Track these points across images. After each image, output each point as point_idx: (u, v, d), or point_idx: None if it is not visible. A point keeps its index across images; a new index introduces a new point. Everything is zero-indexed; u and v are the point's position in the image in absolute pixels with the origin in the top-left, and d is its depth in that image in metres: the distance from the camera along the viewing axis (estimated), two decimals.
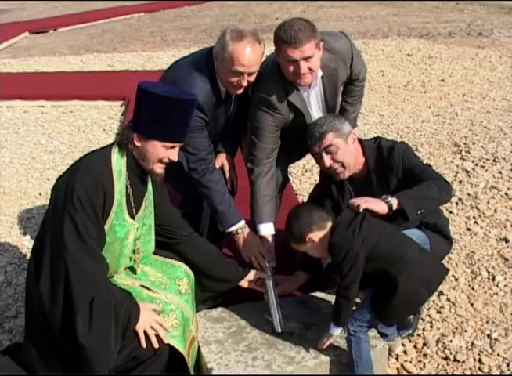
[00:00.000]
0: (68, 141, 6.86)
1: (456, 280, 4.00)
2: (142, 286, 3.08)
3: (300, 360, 3.03)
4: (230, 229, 3.48)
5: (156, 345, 2.87)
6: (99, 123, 7.46)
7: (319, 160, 3.40)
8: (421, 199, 3.10)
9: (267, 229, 3.53)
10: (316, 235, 3.01)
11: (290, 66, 3.27)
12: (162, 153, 2.86)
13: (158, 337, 2.89)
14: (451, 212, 4.81)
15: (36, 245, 2.95)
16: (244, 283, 3.37)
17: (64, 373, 2.84)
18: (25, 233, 4.76)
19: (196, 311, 3.30)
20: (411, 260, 2.93)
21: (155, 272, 3.15)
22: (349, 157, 3.33)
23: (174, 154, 2.90)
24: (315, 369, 3.02)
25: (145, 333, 2.86)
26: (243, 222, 3.50)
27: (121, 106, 7.96)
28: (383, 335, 3.25)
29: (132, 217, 2.96)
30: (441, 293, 3.86)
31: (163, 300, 3.03)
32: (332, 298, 3.44)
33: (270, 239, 3.54)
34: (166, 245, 3.26)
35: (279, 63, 3.34)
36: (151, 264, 3.17)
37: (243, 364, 3.01)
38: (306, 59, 3.22)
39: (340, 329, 2.99)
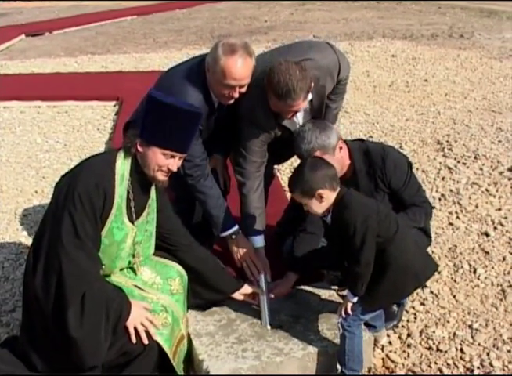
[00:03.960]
0: (63, 140, 6.82)
1: (439, 273, 3.99)
2: (135, 285, 3.07)
3: (288, 351, 3.02)
4: (224, 234, 3.47)
5: (145, 340, 2.85)
6: (93, 122, 7.42)
7: None
8: None
9: (259, 242, 3.52)
10: (326, 194, 2.82)
11: (277, 109, 3.30)
12: (161, 160, 2.83)
13: (148, 333, 2.87)
14: (433, 207, 4.81)
15: (35, 241, 2.94)
16: (238, 296, 3.32)
17: (60, 364, 2.83)
18: (21, 230, 4.74)
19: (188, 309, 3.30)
20: (407, 250, 2.89)
21: (149, 271, 3.13)
22: (336, 165, 3.20)
23: (173, 164, 2.87)
24: (303, 359, 3.01)
25: (135, 329, 2.85)
26: (236, 228, 3.48)
27: (115, 106, 7.92)
28: (370, 327, 3.24)
29: (131, 221, 2.95)
30: (424, 285, 3.82)
31: (154, 300, 3.02)
32: (320, 292, 3.49)
33: (262, 250, 3.53)
34: (165, 250, 3.24)
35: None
36: (145, 263, 3.15)
37: (233, 356, 3.00)
38: (295, 109, 3.26)
39: (356, 298, 2.91)
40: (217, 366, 2.93)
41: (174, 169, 2.89)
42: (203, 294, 3.30)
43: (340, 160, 3.30)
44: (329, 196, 2.85)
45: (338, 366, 3.01)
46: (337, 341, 3.02)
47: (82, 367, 2.77)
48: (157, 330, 2.91)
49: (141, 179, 2.92)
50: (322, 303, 3.39)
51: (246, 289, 3.31)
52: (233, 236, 3.47)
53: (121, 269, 3.09)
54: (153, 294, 3.05)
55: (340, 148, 3.31)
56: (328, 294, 3.48)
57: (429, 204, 3.41)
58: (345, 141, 3.43)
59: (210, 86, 3.28)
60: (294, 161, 5.62)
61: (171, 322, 2.99)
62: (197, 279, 3.25)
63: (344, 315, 2.94)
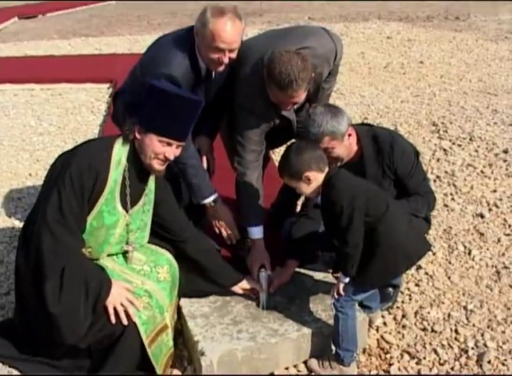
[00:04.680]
0: (57, 123, 6.80)
1: (434, 254, 4.00)
2: (122, 271, 3.06)
3: (283, 332, 3.03)
4: (204, 202, 3.44)
5: (124, 321, 2.83)
6: (86, 105, 7.40)
7: None
8: None
9: (258, 233, 3.50)
10: (313, 175, 2.84)
11: (277, 100, 3.27)
12: (158, 148, 2.82)
13: (128, 315, 2.86)
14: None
15: (26, 221, 2.95)
16: (237, 289, 3.29)
17: (48, 345, 2.84)
18: (15, 213, 4.72)
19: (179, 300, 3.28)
20: (398, 229, 2.88)
21: (138, 256, 3.11)
22: (344, 151, 3.21)
23: (170, 153, 2.85)
24: (297, 340, 3.02)
25: (114, 309, 2.83)
26: (216, 195, 3.45)
27: (109, 88, 7.89)
28: (365, 308, 3.25)
29: (125, 209, 2.93)
30: (419, 267, 3.86)
31: (139, 285, 3.00)
32: (314, 273, 3.49)
33: (261, 242, 3.51)
34: (169, 241, 3.22)
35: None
36: (139, 251, 3.14)
37: (228, 337, 3.01)
38: (295, 101, 3.23)
39: (349, 278, 2.90)
40: (212, 348, 2.94)
41: (171, 157, 2.88)
42: (201, 286, 3.29)
43: (348, 147, 3.23)
44: (317, 177, 2.86)
45: (333, 347, 3.01)
46: (332, 322, 3.03)
47: (63, 344, 2.78)
48: (137, 311, 2.89)
49: (138, 168, 2.90)
50: (316, 284, 3.40)
51: (246, 284, 3.29)
52: (212, 204, 3.45)
53: (110, 255, 3.07)
54: (139, 280, 3.03)
55: (349, 135, 3.22)
56: (323, 275, 3.48)
57: (433, 195, 3.38)
58: (352, 125, 3.35)
59: (200, 51, 3.23)
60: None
61: (153, 306, 2.96)
62: (198, 270, 3.24)
63: (336, 296, 2.95)
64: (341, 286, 2.92)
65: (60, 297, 2.70)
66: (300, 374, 3.06)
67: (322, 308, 3.20)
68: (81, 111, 7.18)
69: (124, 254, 3.10)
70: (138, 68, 3.41)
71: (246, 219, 3.50)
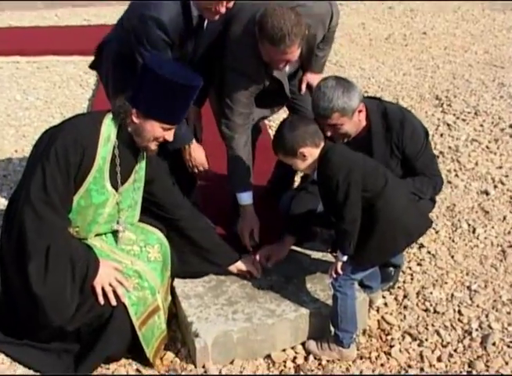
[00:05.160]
0: (44, 97, 6.75)
1: (437, 232, 4.01)
2: (111, 250, 3.05)
3: (280, 313, 3.05)
4: (179, 145, 3.44)
5: (113, 302, 2.83)
6: (75, 78, 7.34)
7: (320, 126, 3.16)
8: None
9: (247, 199, 3.51)
10: (308, 151, 2.85)
11: (269, 58, 3.24)
12: (159, 133, 2.82)
13: (117, 295, 2.86)
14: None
15: (11, 198, 2.94)
16: (233, 269, 3.30)
17: (38, 326, 2.84)
18: (1, 191, 4.70)
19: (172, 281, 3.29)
20: (397, 204, 2.87)
21: (127, 235, 3.10)
22: (352, 128, 3.16)
23: (170, 135, 2.87)
24: (295, 321, 3.04)
25: (103, 290, 2.83)
26: (192, 139, 3.47)
27: None
28: (365, 288, 3.26)
29: (115, 188, 2.92)
30: (421, 245, 3.88)
31: (128, 265, 3.00)
32: (312, 252, 3.51)
33: (251, 208, 3.52)
34: (163, 219, 3.21)
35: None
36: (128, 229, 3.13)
37: (223, 318, 3.02)
38: (288, 60, 3.21)
39: (347, 256, 2.90)
40: (206, 329, 2.95)
41: (171, 139, 2.89)
42: (196, 266, 3.29)
43: (356, 124, 3.18)
44: (312, 153, 2.87)
45: (332, 328, 3.03)
46: (331, 302, 3.04)
47: (50, 326, 2.78)
48: (127, 292, 2.89)
49: (129, 145, 2.89)
50: (314, 263, 3.41)
51: (242, 265, 3.29)
52: (187, 146, 3.46)
53: (98, 234, 3.06)
54: (128, 260, 3.03)
55: (360, 111, 3.15)
56: (321, 254, 3.49)
57: (440, 178, 3.37)
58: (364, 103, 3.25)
59: None
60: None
61: (144, 287, 2.96)
62: (193, 249, 3.24)
63: (334, 275, 2.95)
64: (339, 264, 2.92)
65: (45, 277, 2.70)
66: (297, 355, 3.08)
67: (320, 287, 3.21)
68: (69, 85, 7.13)
69: (114, 233, 3.09)
70: (125, 14, 3.38)
71: (234, 185, 3.52)
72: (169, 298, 3.22)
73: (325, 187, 2.88)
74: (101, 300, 2.82)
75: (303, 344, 3.11)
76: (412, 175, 3.26)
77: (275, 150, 2.96)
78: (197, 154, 3.49)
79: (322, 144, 2.88)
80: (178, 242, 3.23)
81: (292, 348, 3.11)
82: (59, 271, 2.73)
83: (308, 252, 3.50)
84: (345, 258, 2.90)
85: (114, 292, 2.85)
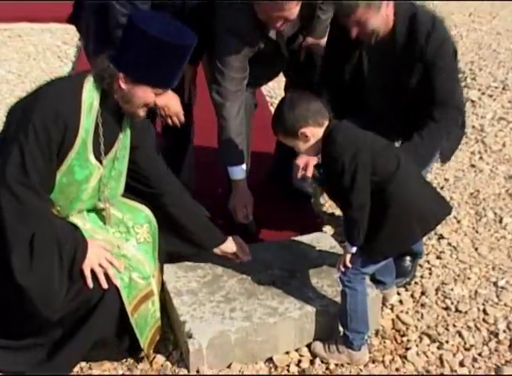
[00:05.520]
0: (17, 70, 6.74)
1: (459, 222, 4.02)
2: (94, 232, 3.05)
3: (283, 311, 3.05)
4: None
5: (104, 284, 2.85)
6: (52, 49, 7.32)
7: (344, 25, 3.17)
8: None
9: (239, 173, 3.54)
10: (311, 131, 2.84)
11: (265, 15, 3.25)
12: (151, 98, 2.81)
13: (107, 277, 2.87)
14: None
15: None
16: (216, 251, 3.32)
17: (19, 322, 2.87)
18: None
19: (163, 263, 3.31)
20: (411, 187, 2.87)
21: (113, 213, 3.10)
22: (380, 23, 3.11)
23: (161, 99, 2.87)
24: (300, 320, 3.05)
25: (92, 272, 2.84)
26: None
27: None
28: (379, 283, 3.27)
29: (99, 160, 2.90)
30: (441, 236, 3.88)
31: (114, 248, 3.00)
32: (319, 242, 3.53)
33: (244, 183, 3.55)
34: (144, 194, 3.21)
35: None
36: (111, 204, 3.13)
37: (219, 316, 3.02)
38: (286, 18, 3.22)
39: (356, 247, 2.91)
40: (201, 329, 2.95)
41: (162, 104, 2.94)
42: (177, 246, 3.31)
43: (384, 19, 3.12)
44: (315, 133, 2.86)
45: (340, 328, 3.05)
46: (339, 298, 3.04)
47: (38, 318, 2.79)
48: (118, 272, 2.90)
49: (113, 111, 2.87)
50: (321, 255, 3.42)
51: (227, 248, 3.31)
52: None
53: (80, 212, 3.06)
54: (115, 243, 3.03)
55: (387, 5, 3.10)
56: (329, 245, 3.51)
57: (462, 112, 3.34)
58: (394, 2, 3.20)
59: None
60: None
61: (134, 270, 2.97)
62: (177, 229, 3.25)
63: (342, 268, 2.96)
64: (348, 256, 2.92)
65: (31, 266, 2.69)
66: (302, 359, 3.09)
67: (328, 283, 3.22)
68: (45, 56, 7.11)
69: (97, 211, 3.09)
70: None
71: (225, 157, 3.56)
72: (159, 286, 3.22)
73: (330, 171, 2.88)
74: (90, 283, 2.83)
75: (308, 346, 3.12)
76: (429, 103, 3.22)
77: (274, 130, 2.96)
78: (172, 102, 3.47)
79: (326, 123, 2.87)
80: (161, 221, 3.23)
81: (296, 350, 3.12)
82: (45, 258, 2.72)
83: (314, 243, 3.51)
84: (354, 249, 2.91)
85: (105, 274, 2.86)
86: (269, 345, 3.05)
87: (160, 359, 3.08)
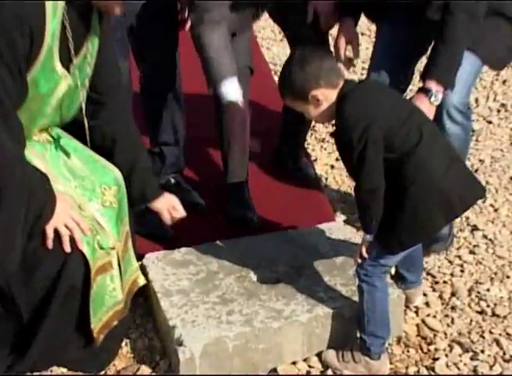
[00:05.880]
0: None
1: (496, 210, 4.01)
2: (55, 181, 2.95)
3: (289, 314, 3.02)
4: None
5: (67, 248, 2.79)
6: None
7: None
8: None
9: (234, 86, 3.51)
10: (323, 93, 2.80)
11: None
12: None
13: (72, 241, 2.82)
14: (490, 122, 4.78)
15: None
16: (157, 205, 3.28)
17: None
18: None
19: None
20: (434, 165, 2.80)
21: (81, 166, 3.03)
22: None
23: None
24: (308, 325, 3.02)
25: (55, 232, 2.79)
26: None
27: None
28: (402, 280, 3.26)
29: (67, 67, 2.84)
30: (475, 227, 3.87)
31: (76, 204, 2.93)
32: (331, 233, 3.52)
33: (240, 105, 3.54)
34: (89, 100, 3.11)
35: None
36: (81, 158, 3.06)
37: (215, 320, 3.00)
38: None
39: (371, 235, 2.88)
40: (193, 335, 2.93)
41: None
42: None
43: None
44: (328, 95, 2.82)
45: (358, 333, 3.01)
46: (355, 299, 3.03)
47: None
48: (84, 236, 2.85)
49: (81, 9, 2.79)
50: (334, 249, 3.41)
51: (159, 204, 3.26)
52: None
53: (41, 148, 2.98)
54: (77, 200, 2.96)
55: None
56: (343, 237, 3.49)
57: None
58: None
59: None
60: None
61: (97, 237, 2.92)
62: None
63: (358, 259, 2.93)
64: (364, 246, 2.89)
65: None
66: (312, 370, 3.06)
67: (342, 281, 3.20)
68: None
69: (60, 156, 3.01)
70: None
71: (214, 76, 3.52)
72: (133, 267, 3.20)
73: (340, 143, 2.87)
74: (49, 244, 2.79)
75: (319, 355, 3.09)
76: None
77: (281, 93, 2.94)
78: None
79: (341, 84, 2.83)
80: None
81: (304, 360, 3.09)
82: (11, 211, 2.65)
83: (325, 235, 3.51)
84: (369, 237, 2.87)
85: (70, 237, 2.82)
86: (273, 354, 3.03)
87: (144, 370, 3.06)
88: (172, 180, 3.99)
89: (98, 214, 2.99)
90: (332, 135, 3.16)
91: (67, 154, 3.01)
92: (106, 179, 3.07)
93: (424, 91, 3.27)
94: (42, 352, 2.95)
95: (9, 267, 2.71)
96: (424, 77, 3.32)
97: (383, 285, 2.95)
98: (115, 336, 3.09)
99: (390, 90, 2.93)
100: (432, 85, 3.26)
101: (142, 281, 3.25)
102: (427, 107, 3.20)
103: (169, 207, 3.27)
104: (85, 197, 2.99)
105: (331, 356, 3.04)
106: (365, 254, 2.89)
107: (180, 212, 3.28)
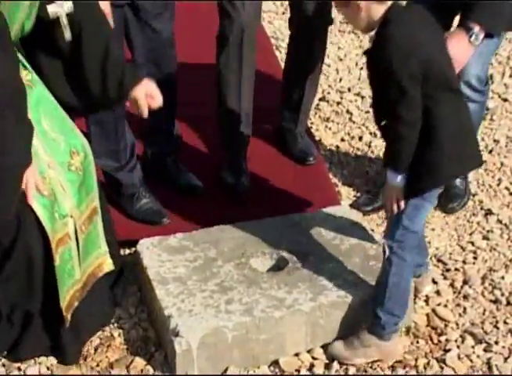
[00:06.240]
0: None
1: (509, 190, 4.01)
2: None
3: (292, 303, 3.02)
4: None
5: (30, 199, 2.78)
6: None
7: None
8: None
9: None
10: (367, 5, 2.77)
11: None
12: None
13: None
14: (505, 100, 4.82)
15: None
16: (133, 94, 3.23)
17: None
18: None
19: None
20: (463, 116, 2.86)
21: (51, 123, 2.99)
22: None
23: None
24: (312, 314, 3.01)
25: None
26: None
27: None
28: None
29: None
30: (489, 212, 3.86)
31: (44, 163, 2.90)
32: (337, 218, 3.51)
33: None
34: None
35: None
36: (51, 115, 3.01)
37: (213, 309, 3.00)
38: None
39: (401, 176, 2.88)
40: (190, 325, 2.93)
41: None
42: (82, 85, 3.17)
43: None
44: (372, 10, 2.78)
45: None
46: (362, 287, 3.05)
47: None
48: (42, 197, 2.83)
49: None
50: (339, 234, 3.40)
51: (149, 86, 3.20)
52: None
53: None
54: (46, 155, 2.93)
55: None
56: (349, 222, 3.49)
57: None
58: None
59: None
60: None
61: (56, 201, 2.91)
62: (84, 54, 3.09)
63: (395, 208, 2.89)
64: (395, 192, 2.88)
65: None
66: (316, 362, 3.06)
67: (347, 268, 3.20)
68: None
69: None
70: None
71: None
72: (101, 250, 3.18)
73: (374, 66, 2.85)
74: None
75: (324, 347, 3.09)
76: None
77: None
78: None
79: (389, 3, 2.79)
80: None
81: (308, 351, 3.09)
82: None
83: (330, 219, 3.50)
84: (399, 178, 2.86)
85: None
86: (274, 345, 3.03)
87: (139, 362, 3.07)
88: (169, 160, 4.01)
89: (62, 177, 2.96)
90: (366, 53, 3.09)
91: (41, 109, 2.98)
92: (74, 142, 3.05)
93: (465, 28, 3.23)
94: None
95: None
96: (466, 14, 3.27)
97: (411, 260, 2.98)
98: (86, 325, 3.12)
99: (433, 20, 2.88)
100: (474, 25, 3.22)
101: (108, 266, 3.22)
102: (466, 47, 3.20)
103: (147, 94, 3.23)
104: (54, 157, 2.96)
105: (338, 347, 3.06)
106: (402, 204, 2.89)
107: (158, 101, 3.24)
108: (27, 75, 2.93)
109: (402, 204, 2.88)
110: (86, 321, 3.10)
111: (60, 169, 2.96)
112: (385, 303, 2.94)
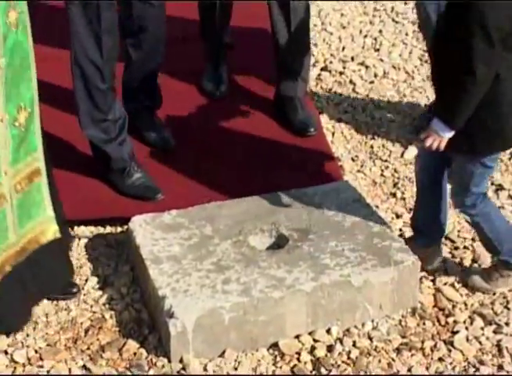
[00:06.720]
0: None
1: None
2: None
3: (292, 283, 3.03)
4: None
5: None
6: None
7: None
8: None
9: None
10: None
11: None
12: None
13: None
14: None
15: None
16: None
17: None
18: None
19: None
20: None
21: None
22: None
23: None
24: (313, 295, 3.03)
25: None
26: None
27: None
28: (420, 238, 3.34)
29: None
30: (500, 187, 3.89)
31: None
32: (338, 195, 3.51)
33: None
34: None
35: None
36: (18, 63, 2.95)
37: (209, 289, 3.01)
38: None
39: (451, 133, 2.91)
40: (185, 306, 2.94)
41: None
42: None
43: None
44: None
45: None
46: (365, 266, 3.06)
47: None
48: None
49: None
50: (342, 210, 3.42)
51: None
52: None
53: None
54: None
55: None
56: (352, 196, 3.51)
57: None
58: None
59: None
60: None
61: None
62: None
63: (427, 144, 2.94)
64: (437, 140, 2.92)
65: None
66: (317, 345, 3.06)
67: (350, 246, 3.21)
68: None
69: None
70: None
71: None
72: (46, 215, 3.16)
73: (452, 20, 2.83)
74: None
75: (327, 330, 3.11)
76: None
77: None
78: None
79: None
80: None
81: (309, 333, 3.10)
82: None
83: (332, 195, 3.50)
84: (449, 134, 2.89)
85: None
86: (274, 327, 3.04)
87: (131, 345, 3.08)
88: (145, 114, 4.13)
89: (3, 129, 2.93)
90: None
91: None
92: (24, 97, 3.00)
93: None
94: None
95: None
96: None
97: (491, 207, 3.23)
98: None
99: None
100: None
101: (53, 234, 3.20)
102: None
103: None
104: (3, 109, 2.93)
105: (478, 280, 3.31)
106: (442, 145, 2.93)
107: None
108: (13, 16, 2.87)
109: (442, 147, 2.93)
110: (24, 287, 3.07)
111: (6, 122, 2.93)
112: (501, 249, 3.23)
